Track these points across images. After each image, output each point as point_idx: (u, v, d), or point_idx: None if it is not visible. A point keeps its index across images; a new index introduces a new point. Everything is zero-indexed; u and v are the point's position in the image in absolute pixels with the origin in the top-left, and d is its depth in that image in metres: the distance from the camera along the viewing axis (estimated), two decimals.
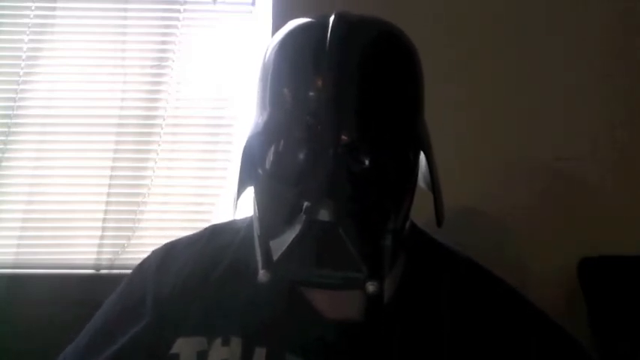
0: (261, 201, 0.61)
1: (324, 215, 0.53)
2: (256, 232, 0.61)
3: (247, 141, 0.61)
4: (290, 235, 0.55)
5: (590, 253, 1.13)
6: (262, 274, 0.56)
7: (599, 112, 1.16)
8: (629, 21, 1.16)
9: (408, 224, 0.64)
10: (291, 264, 0.55)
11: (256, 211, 0.62)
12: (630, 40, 1.16)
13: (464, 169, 1.08)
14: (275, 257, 0.56)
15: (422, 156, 0.64)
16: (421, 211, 0.68)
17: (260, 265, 0.57)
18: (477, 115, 1.14)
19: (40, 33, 1.20)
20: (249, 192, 0.65)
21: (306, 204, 0.54)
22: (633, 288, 1.09)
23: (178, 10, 1.21)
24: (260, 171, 0.60)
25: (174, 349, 0.63)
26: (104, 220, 1.21)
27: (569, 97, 1.16)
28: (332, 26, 0.57)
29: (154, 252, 0.73)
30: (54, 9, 1.21)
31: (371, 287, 0.54)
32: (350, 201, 0.55)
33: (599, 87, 1.16)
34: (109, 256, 1.21)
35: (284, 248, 0.55)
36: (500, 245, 1.14)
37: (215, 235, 0.72)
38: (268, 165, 0.59)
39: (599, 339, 1.06)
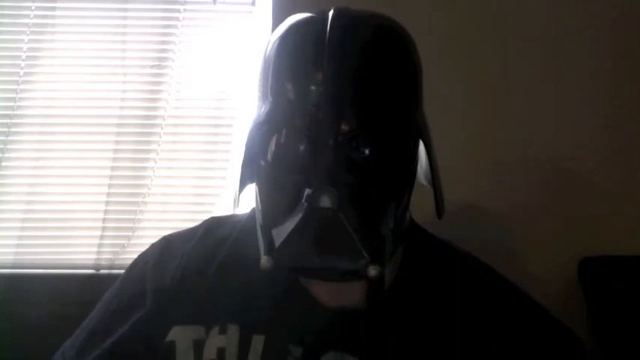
0: (263, 191, 0.62)
1: (325, 202, 0.54)
2: (258, 221, 0.62)
3: (249, 132, 0.62)
4: (292, 223, 0.55)
5: (590, 253, 1.14)
6: (265, 260, 0.56)
7: (600, 112, 1.16)
8: (629, 20, 1.16)
9: (407, 215, 0.65)
10: (293, 250, 0.55)
11: (258, 201, 0.63)
12: (631, 40, 1.16)
13: (464, 169, 1.09)
14: (277, 244, 0.56)
15: (421, 152, 0.64)
16: (420, 209, 0.68)
17: (262, 251, 0.57)
18: (477, 113, 1.14)
19: (40, 33, 1.20)
20: (250, 187, 0.66)
21: (307, 191, 0.54)
22: (633, 288, 1.09)
23: (178, 10, 1.21)
24: (262, 161, 0.61)
25: (169, 337, 0.64)
26: (104, 220, 1.21)
27: (570, 96, 1.16)
28: (331, 20, 0.58)
29: (152, 245, 0.74)
30: (54, 9, 1.20)
31: (373, 271, 0.54)
32: (351, 188, 0.55)
33: (599, 86, 1.16)
34: (109, 256, 1.21)
35: (285, 235, 0.55)
36: (500, 245, 1.14)
37: (213, 227, 0.73)
38: (270, 154, 0.60)
39: (599, 339, 1.07)
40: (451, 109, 1.07)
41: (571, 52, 1.15)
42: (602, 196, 1.16)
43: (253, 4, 1.22)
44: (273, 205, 0.60)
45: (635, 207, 1.16)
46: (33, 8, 1.19)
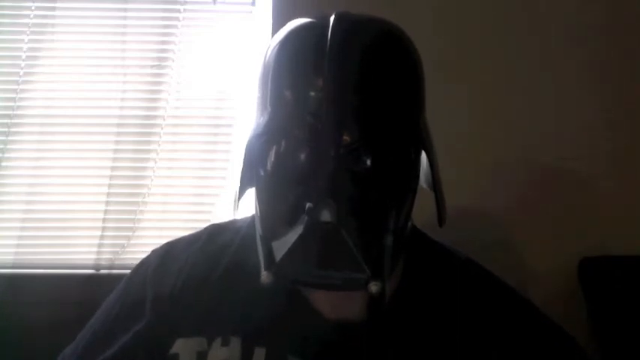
0: (262, 202, 0.61)
1: (325, 216, 0.53)
2: (258, 232, 0.61)
3: (248, 142, 0.61)
4: (292, 236, 0.54)
5: (590, 253, 1.14)
6: (265, 276, 0.55)
7: (599, 112, 1.16)
8: (629, 20, 1.16)
9: (409, 225, 0.64)
10: (294, 265, 0.55)
11: (258, 211, 0.62)
12: (631, 40, 1.16)
13: (464, 169, 1.08)
14: (277, 258, 0.55)
15: (423, 155, 0.64)
16: (421, 211, 0.68)
17: (262, 266, 0.57)
18: (477, 114, 1.14)
19: (40, 33, 1.20)
20: (250, 193, 0.65)
21: (308, 205, 0.54)
22: (634, 288, 1.09)
23: (178, 10, 1.21)
24: (261, 172, 0.60)
25: (173, 350, 0.63)
26: (104, 220, 1.21)
27: (570, 96, 1.16)
28: (332, 26, 0.57)
29: (153, 252, 0.73)
30: (54, 9, 1.21)
31: (374, 287, 0.54)
32: (352, 201, 0.55)
33: (599, 86, 1.16)
34: (109, 256, 1.21)
35: (286, 249, 0.55)
36: (501, 245, 1.14)
37: (215, 234, 0.72)
38: (270, 166, 0.59)
39: (599, 339, 1.07)
40: (451, 109, 1.07)
41: (571, 53, 1.15)
42: (603, 196, 1.16)
43: (253, 4, 1.22)
44: (273, 217, 0.59)
45: (635, 207, 1.16)
46: (33, 8, 1.19)
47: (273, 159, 0.59)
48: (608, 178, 1.16)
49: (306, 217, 0.54)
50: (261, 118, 0.60)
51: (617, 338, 1.06)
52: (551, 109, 1.16)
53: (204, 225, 0.75)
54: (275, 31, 0.64)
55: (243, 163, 0.62)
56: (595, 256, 1.13)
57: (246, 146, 0.61)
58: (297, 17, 0.62)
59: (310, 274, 0.55)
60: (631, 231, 1.15)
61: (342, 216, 0.53)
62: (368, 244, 0.55)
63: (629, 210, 1.16)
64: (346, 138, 0.55)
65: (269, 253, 0.57)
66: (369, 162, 0.57)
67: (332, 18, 0.59)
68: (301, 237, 0.54)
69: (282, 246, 0.56)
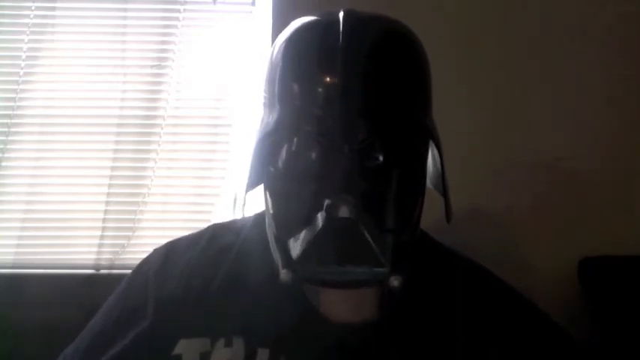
0: (275, 201, 0.61)
1: (344, 212, 0.53)
2: (272, 231, 0.60)
3: (257, 141, 0.60)
4: (310, 234, 0.54)
5: (590, 253, 1.14)
6: (284, 274, 0.55)
7: (600, 112, 1.16)
8: (628, 21, 1.16)
9: (419, 223, 0.64)
10: (313, 262, 0.55)
11: (270, 211, 0.61)
12: (631, 40, 1.16)
13: (464, 169, 1.08)
14: (294, 256, 0.55)
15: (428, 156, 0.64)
16: (424, 213, 0.68)
17: (280, 264, 0.57)
18: (478, 114, 1.14)
19: (40, 33, 1.20)
20: (254, 193, 0.65)
21: (326, 202, 0.53)
22: (634, 288, 1.09)
23: (178, 10, 1.21)
24: (273, 170, 0.60)
25: (176, 350, 0.63)
26: (104, 220, 1.21)
27: (570, 97, 1.16)
28: (343, 23, 0.57)
29: (154, 251, 0.72)
30: (54, 9, 1.20)
31: (395, 282, 0.54)
32: (367, 197, 0.55)
33: (599, 87, 1.16)
34: (109, 256, 1.21)
35: (304, 246, 0.55)
36: (501, 245, 1.14)
37: (216, 235, 0.72)
38: (281, 163, 0.59)
39: (600, 339, 1.06)
40: (451, 111, 1.07)
41: (571, 53, 1.15)
42: (602, 196, 1.16)
43: (253, 4, 1.21)
44: (288, 215, 0.59)
45: (635, 207, 1.16)
46: (33, 8, 1.19)
47: (284, 157, 0.59)
48: (608, 179, 1.16)
49: (324, 214, 0.53)
50: (270, 117, 0.60)
51: (618, 338, 1.06)
52: (551, 109, 1.15)
53: (204, 225, 0.75)
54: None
55: (252, 162, 0.61)
56: (595, 256, 1.13)
57: (255, 146, 0.60)
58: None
59: (330, 271, 0.55)
60: (631, 231, 1.15)
61: (360, 211, 0.53)
62: (385, 238, 0.55)
63: (629, 210, 1.16)
64: (359, 134, 0.55)
65: (286, 252, 0.57)
66: (381, 158, 0.57)
67: (341, 15, 0.58)
68: (319, 233, 0.54)
69: (299, 244, 0.55)
